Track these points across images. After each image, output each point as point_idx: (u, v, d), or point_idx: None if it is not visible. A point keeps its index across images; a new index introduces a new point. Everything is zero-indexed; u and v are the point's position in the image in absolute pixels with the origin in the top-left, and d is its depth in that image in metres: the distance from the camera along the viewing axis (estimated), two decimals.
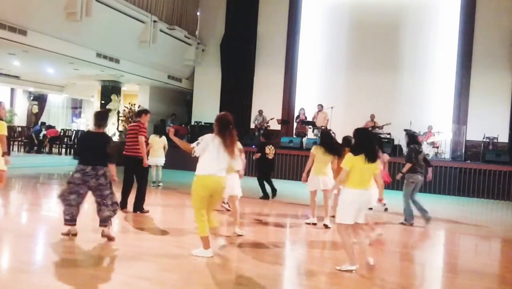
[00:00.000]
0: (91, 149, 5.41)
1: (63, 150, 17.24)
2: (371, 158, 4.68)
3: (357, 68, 16.59)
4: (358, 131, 4.93)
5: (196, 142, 4.93)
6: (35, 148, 16.54)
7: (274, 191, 9.75)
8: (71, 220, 5.39)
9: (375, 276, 4.67)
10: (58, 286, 3.95)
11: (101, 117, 5.67)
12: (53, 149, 17.32)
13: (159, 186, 10.70)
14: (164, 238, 5.85)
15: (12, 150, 15.58)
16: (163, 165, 10.74)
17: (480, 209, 11.03)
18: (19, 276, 4.12)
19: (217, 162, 4.90)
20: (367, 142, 4.77)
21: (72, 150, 17.22)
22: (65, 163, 15.68)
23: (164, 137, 10.63)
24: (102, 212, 5.39)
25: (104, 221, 5.41)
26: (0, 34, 11.10)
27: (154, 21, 15.27)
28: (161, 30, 15.72)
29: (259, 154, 9.73)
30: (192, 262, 4.84)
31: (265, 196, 9.71)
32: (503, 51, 15.05)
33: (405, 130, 8.04)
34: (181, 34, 17.04)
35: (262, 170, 9.87)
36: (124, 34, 14.43)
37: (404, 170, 7.47)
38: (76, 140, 16.89)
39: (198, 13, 19.16)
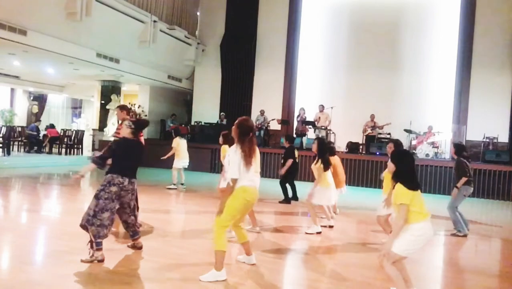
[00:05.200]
0: (130, 159, 4.86)
1: (63, 150, 17.26)
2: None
3: (357, 68, 16.59)
4: (401, 155, 4.10)
5: (225, 170, 4.46)
6: (35, 147, 16.55)
7: (295, 195, 9.79)
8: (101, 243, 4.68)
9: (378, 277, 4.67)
10: (58, 286, 3.95)
11: (142, 126, 5.13)
12: (53, 149, 17.34)
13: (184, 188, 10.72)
14: (164, 238, 5.85)
15: (12, 150, 15.59)
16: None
17: (480, 209, 11.03)
18: (19, 276, 4.13)
19: (252, 172, 4.44)
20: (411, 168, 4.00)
21: (72, 150, 17.28)
22: (65, 163, 15.70)
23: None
24: (131, 227, 5.01)
25: (137, 233, 5.06)
26: (0, 34, 11.12)
27: (154, 21, 15.28)
28: (161, 30, 15.73)
29: (292, 160, 9.48)
30: (192, 262, 4.84)
31: (287, 200, 9.59)
32: (503, 51, 15.06)
33: (454, 143, 7.89)
34: (181, 34, 17.05)
35: (291, 173, 9.69)
36: (124, 34, 14.44)
37: (459, 184, 7.30)
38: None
39: (198, 13, 19.17)
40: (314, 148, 6.96)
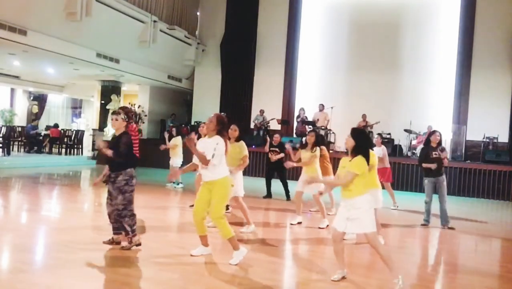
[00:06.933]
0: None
1: (63, 150, 17.26)
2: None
3: (357, 68, 16.59)
4: (358, 132, 4.55)
5: (212, 154, 4.71)
6: (35, 147, 16.55)
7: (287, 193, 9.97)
8: (135, 229, 5.13)
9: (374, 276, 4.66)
10: (58, 286, 3.95)
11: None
12: (53, 149, 17.34)
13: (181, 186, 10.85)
14: (164, 238, 5.85)
15: (12, 150, 15.59)
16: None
17: (480, 209, 11.03)
18: (19, 276, 4.12)
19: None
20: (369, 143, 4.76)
21: (71, 150, 17.27)
22: (65, 163, 15.71)
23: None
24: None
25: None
26: (0, 34, 11.10)
27: (154, 21, 15.27)
28: (161, 30, 15.72)
29: (283, 154, 9.68)
30: (192, 262, 4.83)
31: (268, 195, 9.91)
32: (503, 51, 15.05)
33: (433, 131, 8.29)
34: (181, 34, 17.04)
35: (284, 171, 9.86)
36: (124, 34, 14.43)
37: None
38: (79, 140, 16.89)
39: (198, 13, 19.16)
40: (312, 140, 7.19)
